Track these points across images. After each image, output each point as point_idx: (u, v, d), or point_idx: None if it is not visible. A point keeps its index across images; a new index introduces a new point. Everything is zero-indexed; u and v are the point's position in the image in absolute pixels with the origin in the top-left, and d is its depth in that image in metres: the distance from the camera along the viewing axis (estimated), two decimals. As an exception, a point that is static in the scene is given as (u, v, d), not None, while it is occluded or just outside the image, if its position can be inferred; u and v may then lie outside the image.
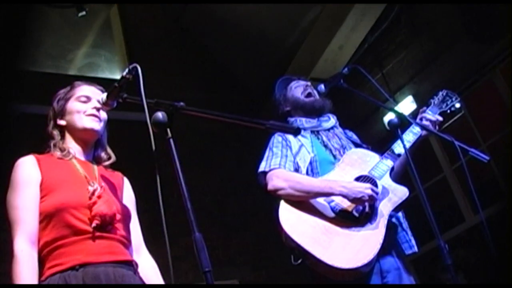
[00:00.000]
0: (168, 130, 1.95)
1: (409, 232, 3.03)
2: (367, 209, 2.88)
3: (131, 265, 2.28)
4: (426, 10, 5.14)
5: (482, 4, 4.70)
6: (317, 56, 5.44)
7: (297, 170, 3.09)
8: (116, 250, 2.25)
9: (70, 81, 2.63)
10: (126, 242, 2.32)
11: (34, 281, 2.10)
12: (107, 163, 2.51)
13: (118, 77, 4.55)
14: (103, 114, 2.49)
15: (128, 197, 2.53)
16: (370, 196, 2.83)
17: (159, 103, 2.04)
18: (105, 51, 5.99)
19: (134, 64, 2.19)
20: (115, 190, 2.44)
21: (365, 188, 2.86)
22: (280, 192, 2.97)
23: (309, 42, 5.51)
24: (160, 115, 1.96)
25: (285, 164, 3.06)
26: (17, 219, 2.19)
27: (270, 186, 3.02)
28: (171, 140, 1.93)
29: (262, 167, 3.11)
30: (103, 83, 2.59)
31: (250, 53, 5.81)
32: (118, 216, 2.30)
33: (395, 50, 5.41)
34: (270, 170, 3.06)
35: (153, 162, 1.92)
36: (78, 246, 2.17)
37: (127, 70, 2.21)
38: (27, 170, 2.30)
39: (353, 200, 2.85)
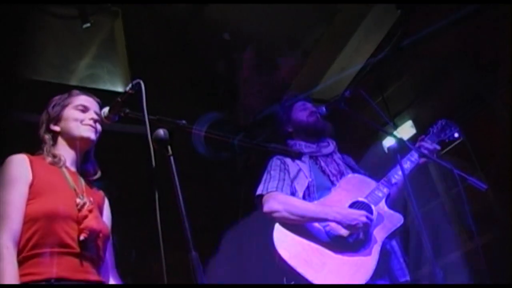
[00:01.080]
0: (169, 147, 1.97)
1: (402, 259, 3.06)
2: (361, 235, 2.90)
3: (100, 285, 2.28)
4: (427, 36, 5.16)
5: (482, 32, 4.74)
6: (319, 76, 5.45)
7: (294, 194, 3.14)
8: (91, 269, 2.24)
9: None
10: (100, 263, 2.32)
11: (17, 280, 2.06)
12: (93, 177, 2.53)
13: (119, 89, 4.56)
14: (99, 127, 2.51)
15: (107, 217, 2.52)
16: (365, 224, 2.87)
17: (161, 120, 2.06)
18: (108, 63, 5.99)
19: (138, 80, 2.21)
20: (98, 207, 2.44)
21: (359, 216, 2.90)
22: (275, 215, 3.01)
23: (311, 62, 5.53)
24: (161, 132, 1.99)
25: (282, 187, 3.11)
26: (3, 215, 2.16)
27: (265, 208, 3.06)
28: (171, 158, 1.95)
29: (260, 190, 3.16)
30: (104, 95, 2.62)
31: (253, 71, 5.83)
32: (101, 235, 2.30)
33: (396, 74, 5.44)
34: (267, 193, 3.10)
35: (152, 178, 1.93)
36: (58, 259, 2.15)
37: (130, 85, 2.24)
38: (19, 167, 2.29)
39: (347, 226, 2.88)
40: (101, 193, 2.54)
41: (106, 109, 2.35)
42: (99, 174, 2.54)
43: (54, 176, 2.34)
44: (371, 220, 2.92)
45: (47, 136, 2.46)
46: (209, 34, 5.58)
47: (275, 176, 3.18)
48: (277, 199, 3.06)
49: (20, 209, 2.18)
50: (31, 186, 2.25)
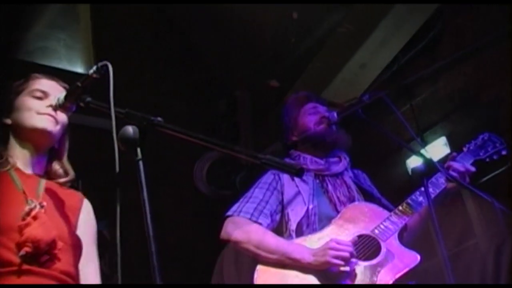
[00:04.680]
0: (139, 149, 1.99)
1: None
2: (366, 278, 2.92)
3: None
4: (476, 32, 5.13)
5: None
6: (333, 74, 5.46)
7: (286, 223, 3.16)
8: None
9: (15, 67, 2.65)
10: (68, 280, 2.30)
11: None
12: (62, 180, 2.54)
13: (79, 70, 4.57)
14: (62, 117, 2.51)
15: (86, 224, 2.53)
16: (335, 257, 2.88)
17: (130, 115, 2.09)
18: (65, 35, 5.99)
19: (105, 62, 2.23)
20: (65, 213, 2.43)
21: (326, 247, 2.91)
22: (236, 246, 3.06)
23: (324, 55, 5.52)
24: (130, 130, 2.01)
25: (258, 216, 3.14)
26: None
27: (223, 234, 3.12)
28: (141, 163, 1.98)
29: (232, 209, 3.19)
30: (59, 74, 2.64)
31: (250, 60, 5.86)
32: (60, 245, 2.28)
33: (430, 78, 5.41)
34: (236, 216, 3.14)
35: (115, 186, 1.96)
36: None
37: (94, 68, 2.25)
38: None
39: (322, 265, 2.90)
40: (77, 194, 2.57)
41: (61, 96, 2.37)
42: (71, 175, 2.56)
43: None
44: (349, 251, 2.93)
45: None
46: (197, 11, 5.61)
47: (258, 196, 3.22)
48: (239, 226, 3.11)
49: None
50: None
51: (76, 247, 2.39)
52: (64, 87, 2.56)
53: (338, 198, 3.29)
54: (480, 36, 4.98)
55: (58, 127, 2.50)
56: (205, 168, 5.77)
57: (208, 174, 5.84)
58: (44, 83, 2.56)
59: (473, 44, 4.98)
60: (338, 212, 3.22)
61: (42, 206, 2.31)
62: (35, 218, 2.26)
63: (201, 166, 5.75)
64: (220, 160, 5.75)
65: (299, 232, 3.15)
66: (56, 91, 2.52)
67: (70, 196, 2.53)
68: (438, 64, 5.14)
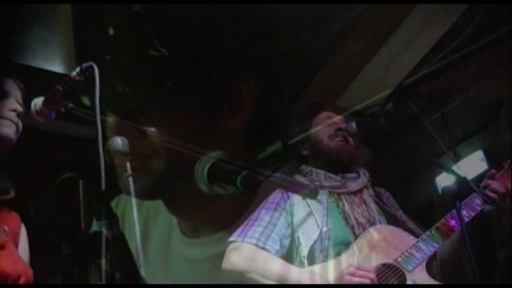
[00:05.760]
0: (128, 164, 2.00)
1: None
2: None
3: None
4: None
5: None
6: (351, 75, 5.48)
7: (297, 248, 3.17)
8: None
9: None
10: None
11: None
12: (5, 197, 2.51)
13: (56, 68, 4.63)
14: (20, 123, 2.53)
15: (24, 250, 2.53)
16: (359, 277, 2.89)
17: (120, 124, 2.10)
18: (42, 28, 6.02)
19: (90, 63, 2.24)
20: (14, 239, 2.44)
21: (344, 275, 2.92)
22: (240, 276, 3.06)
23: (340, 54, 5.55)
24: (119, 141, 2.01)
25: (265, 241, 3.15)
26: None
27: (226, 264, 3.12)
28: (131, 179, 1.98)
29: (235, 235, 3.19)
30: (35, 74, 2.64)
31: (259, 59, 5.88)
32: (23, 280, 2.29)
33: (466, 81, 5.41)
34: (240, 242, 3.15)
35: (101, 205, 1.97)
36: None
37: (78, 69, 2.27)
38: None
39: None
40: (16, 216, 2.54)
41: (39, 101, 2.37)
42: (13, 193, 2.53)
43: None
44: (368, 277, 2.92)
45: None
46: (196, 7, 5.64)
47: (265, 218, 3.21)
48: (245, 255, 3.11)
49: None
50: None
51: (29, 281, 2.36)
52: (20, 88, 2.57)
53: (356, 219, 3.28)
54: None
55: (17, 135, 2.52)
56: (206, 167, 5.86)
57: (209, 173, 5.90)
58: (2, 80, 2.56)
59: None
60: (355, 235, 3.22)
61: (5, 232, 2.33)
62: (2, 247, 2.28)
63: (202, 165, 5.84)
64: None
65: (311, 258, 3.16)
66: (15, 91, 2.55)
67: (11, 219, 2.51)
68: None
